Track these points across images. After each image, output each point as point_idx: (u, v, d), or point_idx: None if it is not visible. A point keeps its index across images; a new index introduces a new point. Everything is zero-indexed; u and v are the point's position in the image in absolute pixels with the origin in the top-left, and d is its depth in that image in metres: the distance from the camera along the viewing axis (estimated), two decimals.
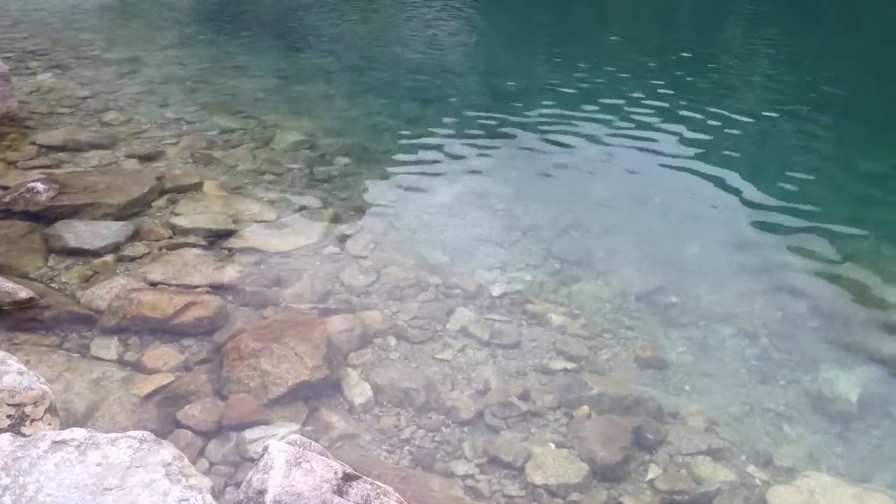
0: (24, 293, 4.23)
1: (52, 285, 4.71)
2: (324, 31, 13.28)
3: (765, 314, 5.00)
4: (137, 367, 4.01)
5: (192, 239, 5.42)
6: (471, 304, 4.94)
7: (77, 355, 4.06)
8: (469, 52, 12.48)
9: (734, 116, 9.13)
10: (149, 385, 3.80)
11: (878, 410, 4.16)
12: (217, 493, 2.57)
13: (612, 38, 14.33)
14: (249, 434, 3.53)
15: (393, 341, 4.50)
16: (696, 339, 4.75)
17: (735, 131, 8.53)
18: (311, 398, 3.87)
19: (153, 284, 4.75)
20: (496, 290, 5.11)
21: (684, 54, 12.27)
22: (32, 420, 2.70)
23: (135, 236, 5.39)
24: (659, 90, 9.87)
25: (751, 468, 3.72)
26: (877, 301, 5.15)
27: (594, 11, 17.15)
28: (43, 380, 2.90)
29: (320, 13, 14.91)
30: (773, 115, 9.22)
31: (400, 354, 4.40)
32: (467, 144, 7.79)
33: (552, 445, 3.76)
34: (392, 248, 5.60)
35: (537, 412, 3.99)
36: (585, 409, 4.01)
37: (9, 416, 2.64)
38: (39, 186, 5.55)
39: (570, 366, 4.38)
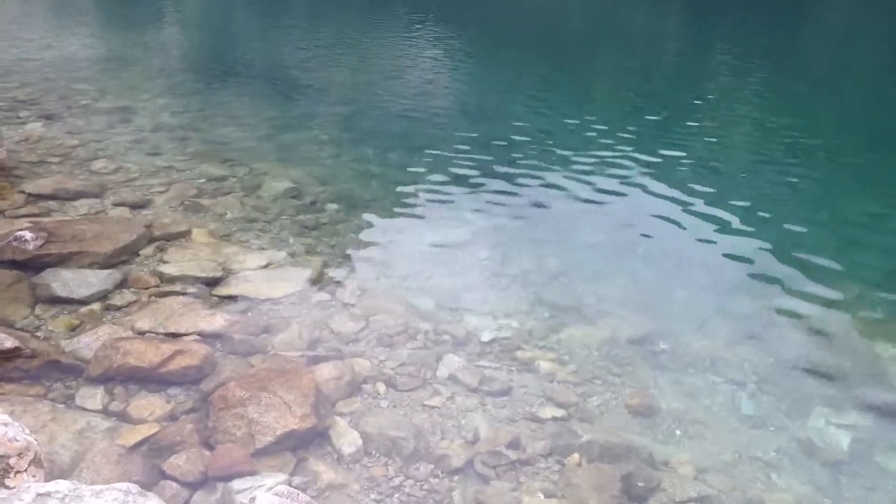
0: (9, 343, 4.20)
1: (38, 334, 4.68)
2: (313, 79, 13.43)
3: (753, 360, 5.00)
4: (123, 417, 3.97)
5: (179, 287, 5.41)
6: (460, 351, 4.93)
7: (62, 405, 4.02)
8: (457, 100, 12.63)
9: (720, 162, 9.25)
10: (134, 435, 3.76)
11: (868, 458, 4.14)
12: None
13: (598, 85, 14.55)
14: (236, 485, 3.48)
15: (382, 389, 4.48)
16: (685, 385, 4.74)
17: (721, 176, 8.64)
18: (299, 447, 3.83)
19: (140, 333, 4.73)
20: (485, 337, 5.11)
21: (669, 102, 12.46)
22: (17, 472, 2.66)
23: (122, 284, 5.38)
24: (645, 136, 10.00)
25: None
26: (865, 347, 5.17)
27: (581, 61, 17.43)
28: (28, 430, 2.87)
29: (310, 63, 15.10)
30: (759, 160, 9.35)
31: (389, 402, 4.37)
32: (455, 191, 7.85)
33: (541, 495, 3.72)
34: (381, 295, 5.60)
35: (527, 461, 3.95)
36: (576, 457, 3.98)
37: None
38: (27, 235, 5.54)
39: (560, 413, 4.36)
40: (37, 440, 2.88)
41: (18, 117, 9.66)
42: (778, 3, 29.09)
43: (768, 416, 4.47)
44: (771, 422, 4.42)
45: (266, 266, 5.88)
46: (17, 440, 2.73)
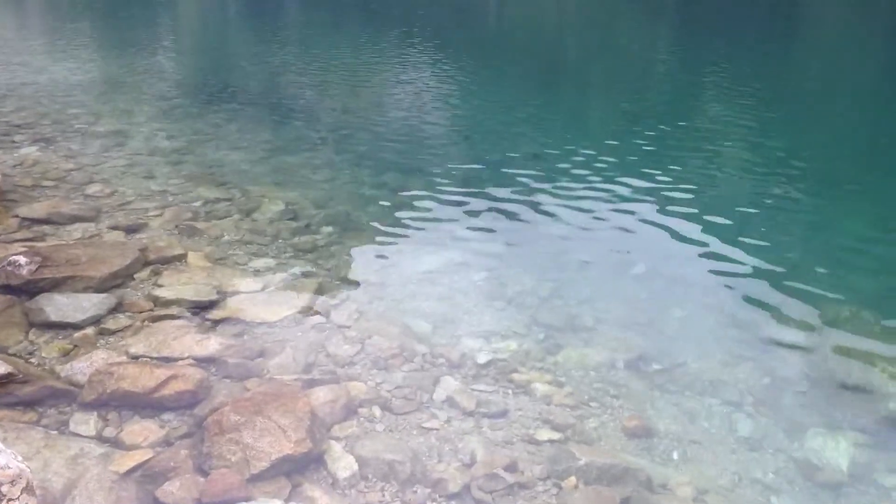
0: (2, 368, 4.17)
1: (32, 360, 4.66)
2: (307, 102, 13.49)
3: (750, 381, 4.99)
4: (116, 443, 3.94)
5: (174, 310, 5.39)
6: (456, 374, 4.91)
7: (55, 432, 3.99)
8: (452, 121, 12.66)
9: (715, 183, 9.27)
10: (128, 462, 3.73)
11: (867, 477, 4.12)
12: None
13: (591, 106, 14.63)
14: None
15: (378, 412, 4.45)
16: (682, 406, 4.73)
17: (716, 198, 8.66)
18: (295, 472, 3.79)
19: (134, 357, 4.70)
20: (481, 359, 5.09)
21: (664, 122, 12.48)
22: (9, 500, 2.63)
23: (117, 308, 5.36)
24: (640, 157, 10.01)
25: None
26: (861, 366, 5.16)
27: (574, 82, 17.53)
28: (20, 458, 2.84)
29: (304, 85, 15.16)
30: (753, 182, 9.37)
31: (385, 426, 4.34)
32: (451, 213, 7.85)
33: None
34: (377, 318, 5.59)
35: (525, 484, 3.92)
36: (573, 480, 3.96)
37: None
38: (21, 260, 5.52)
39: (557, 436, 4.34)
40: (29, 467, 2.86)
41: (13, 141, 9.66)
42: (770, 21, 29.33)
43: (766, 436, 4.45)
44: (769, 443, 4.40)
45: (261, 289, 5.86)
46: (9, 467, 2.70)
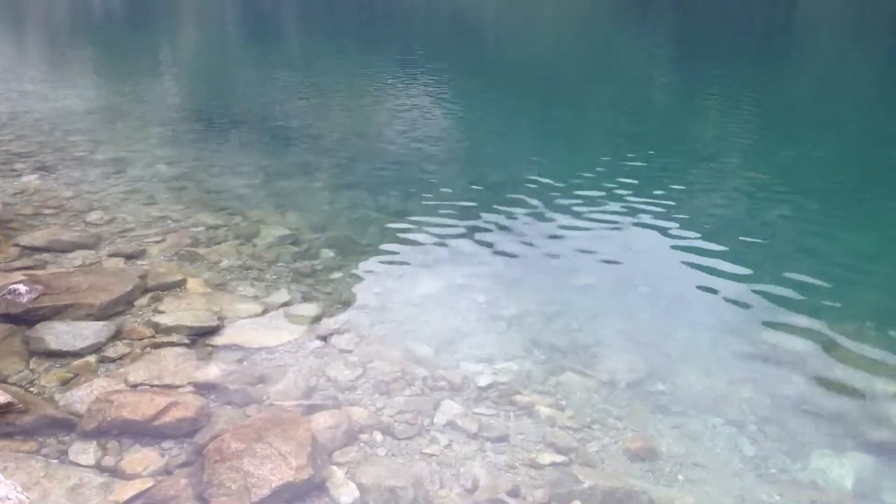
0: (1, 398, 4.15)
1: (32, 389, 4.64)
2: (307, 126, 13.52)
3: (754, 401, 4.96)
4: (116, 472, 3.92)
5: (174, 337, 5.37)
6: (458, 397, 4.89)
7: (55, 461, 3.97)
8: (452, 144, 12.69)
9: (716, 202, 9.29)
10: (127, 491, 3.70)
11: (873, 498, 4.09)
12: None
13: (592, 128, 14.66)
14: None
15: (379, 437, 4.43)
16: (686, 427, 4.70)
17: (718, 217, 8.66)
18: (296, 500, 3.77)
19: (134, 385, 4.68)
20: (483, 382, 5.07)
21: (665, 141, 12.53)
22: None
23: (116, 336, 5.34)
24: (640, 177, 10.02)
25: None
26: (866, 385, 5.13)
27: (574, 105, 17.60)
28: (20, 488, 2.83)
29: (304, 110, 15.23)
30: (755, 200, 9.37)
31: (386, 451, 4.32)
32: (451, 235, 7.85)
33: None
34: (377, 342, 5.57)
35: None
36: (577, 503, 3.92)
37: None
38: (21, 288, 5.52)
39: (560, 459, 4.31)
40: (29, 498, 2.84)
41: (14, 170, 9.68)
42: (769, 23, 29.49)
43: (770, 457, 4.42)
44: (773, 464, 4.37)
45: (262, 314, 5.85)
46: (8, 498, 2.69)
